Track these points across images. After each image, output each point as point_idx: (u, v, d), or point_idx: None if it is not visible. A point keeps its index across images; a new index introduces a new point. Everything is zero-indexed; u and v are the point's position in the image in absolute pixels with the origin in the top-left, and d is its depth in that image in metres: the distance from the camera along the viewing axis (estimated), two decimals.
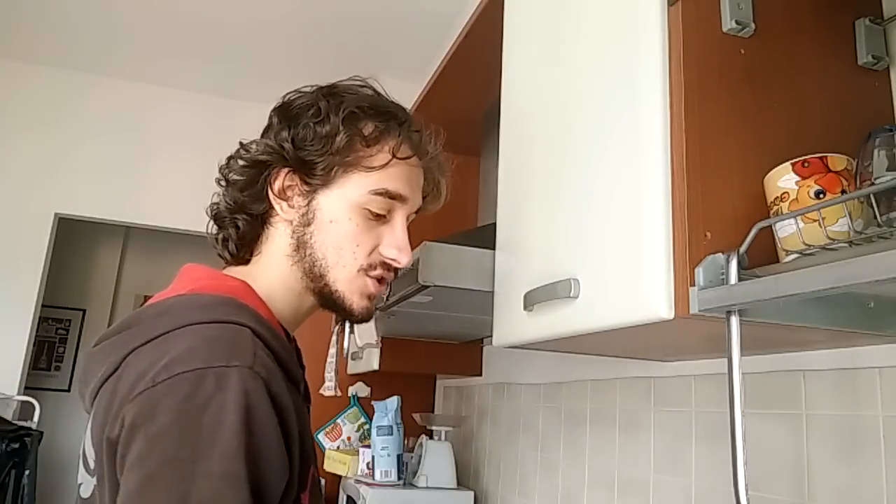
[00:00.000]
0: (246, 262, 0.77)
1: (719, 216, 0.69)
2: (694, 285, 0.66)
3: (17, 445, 2.60)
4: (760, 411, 0.94)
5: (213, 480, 0.52)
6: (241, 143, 0.78)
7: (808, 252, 0.62)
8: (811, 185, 0.65)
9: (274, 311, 0.73)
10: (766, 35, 0.76)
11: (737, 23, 0.74)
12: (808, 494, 0.85)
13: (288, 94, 0.78)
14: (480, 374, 2.05)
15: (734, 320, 0.63)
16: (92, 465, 0.62)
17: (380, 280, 0.76)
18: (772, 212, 0.68)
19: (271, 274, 0.75)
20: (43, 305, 3.08)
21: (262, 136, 0.78)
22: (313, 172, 0.73)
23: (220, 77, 3.15)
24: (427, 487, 1.84)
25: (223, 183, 0.78)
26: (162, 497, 0.51)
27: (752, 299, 0.59)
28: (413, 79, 2.77)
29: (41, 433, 2.74)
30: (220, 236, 0.78)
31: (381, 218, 0.75)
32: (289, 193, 0.75)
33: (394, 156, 0.75)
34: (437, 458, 1.87)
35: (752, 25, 0.75)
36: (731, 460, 0.62)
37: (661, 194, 0.70)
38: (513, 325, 0.99)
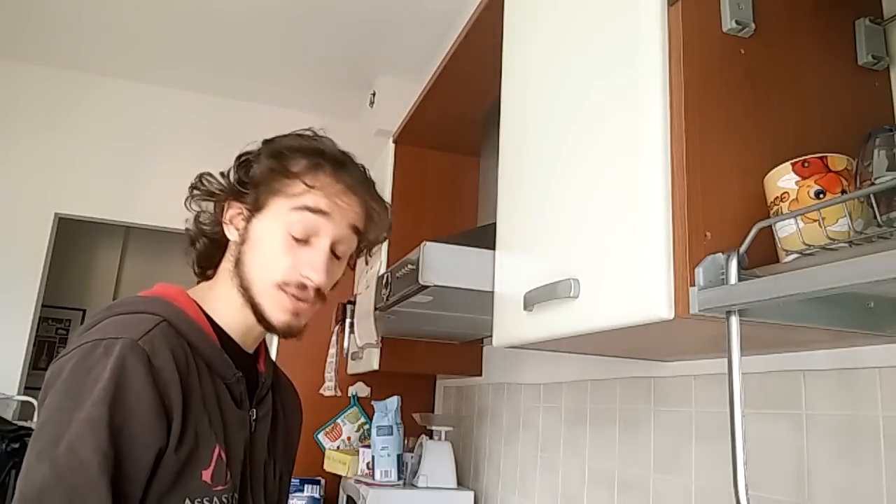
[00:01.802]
0: (208, 278, 0.92)
1: (719, 216, 0.69)
2: (694, 285, 0.66)
3: (17, 445, 2.60)
4: (760, 411, 0.94)
5: (78, 425, 0.66)
6: (199, 179, 0.92)
7: (808, 252, 0.62)
8: (811, 185, 0.65)
9: (220, 321, 0.86)
10: (766, 35, 0.76)
11: (737, 23, 0.74)
12: (808, 494, 0.85)
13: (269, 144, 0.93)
14: (480, 374, 2.05)
15: (734, 320, 0.63)
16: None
17: (298, 298, 0.84)
18: (772, 212, 0.68)
19: (220, 289, 0.87)
20: (43, 305, 3.08)
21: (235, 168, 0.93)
22: (244, 200, 0.87)
23: (220, 77, 3.15)
24: (427, 487, 1.84)
25: (191, 209, 0.92)
26: (44, 439, 0.67)
27: (752, 299, 0.59)
28: (413, 79, 2.77)
29: None
30: (192, 257, 0.93)
31: (303, 242, 0.85)
32: (235, 221, 0.88)
33: (308, 185, 0.85)
34: (437, 458, 1.87)
35: (752, 25, 0.75)
36: (731, 460, 0.62)
37: (661, 194, 0.70)
38: (513, 325, 0.99)
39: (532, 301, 0.90)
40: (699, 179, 0.69)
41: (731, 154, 0.72)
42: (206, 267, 0.93)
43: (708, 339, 0.85)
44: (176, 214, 3.41)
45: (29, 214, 3.01)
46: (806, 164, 0.65)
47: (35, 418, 0.82)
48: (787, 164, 0.66)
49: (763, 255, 0.67)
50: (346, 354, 1.95)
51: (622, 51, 0.81)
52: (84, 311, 4.55)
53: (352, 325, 1.81)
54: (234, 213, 0.88)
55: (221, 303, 0.87)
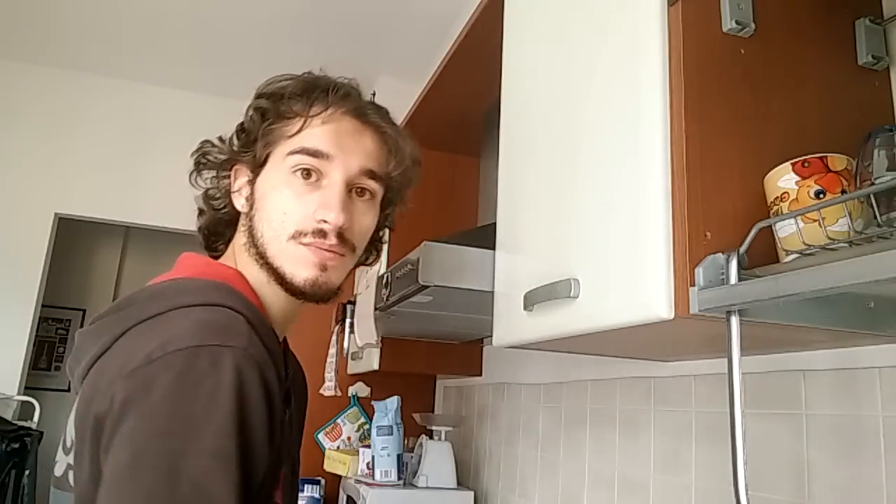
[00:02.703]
0: (219, 253, 0.81)
1: (719, 216, 0.69)
2: (694, 285, 0.66)
3: (17, 445, 2.60)
4: (760, 411, 0.94)
5: (204, 458, 0.51)
6: (201, 148, 0.84)
7: (808, 252, 0.62)
8: (811, 185, 0.65)
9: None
10: (766, 35, 0.76)
11: (737, 23, 0.74)
12: (808, 494, 0.85)
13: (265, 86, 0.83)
14: (480, 374, 2.05)
15: (734, 320, 0.63)
16: (69, 442, 0.62)
17: (320, 248, 0.71)
18: (772, 212, 0.68)
19: (243, 268, 0.74)
20: (43, 305, 3.08)
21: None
22: (244, 158, 0.76)
23: (220, 77, 3.15)
24: (427, 487, 1.84)
25: (197, 186, 0.83)
26: (151, 473, 0.50)
27: (752, 299, 0.59)
28: (413, 79, 2.77)
29: (41, 433, 2.74)
30: (201, 234, 0.83)
31: (312, 187, 0.72)
32: (243, 189, 0.77)
33: (306, 116, 0.74)
34: (437, 458, 1.87)
35: (752, 25, 0.75)
36: (731, 460, 0.62)
37: (661, 194, 0.70)
38: (513, 325, 0.99)
39: (532, 301, 0.90)
40: (699, 179, 0.69)
41: (732, 154, 0.72)
42: (218, 244, 0.82)
43: (708, 339, 0.85)
44: (176, 214, 3.41)
45: (29, 214, 3.00)
46: (806, 164, 0.65)
47: (76, 429, 0.61)
48: (787, 164, 0.66)
49: (763, 255, 0.67)
50: (346, 354, 1.95)
51: (622, 51, 0.81)
52: (84, 310, 4.55)
53: (352, 325, 1.81)
54: (242, 180, 0.77)
55: (254, 285, 0.73)
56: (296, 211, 0.71)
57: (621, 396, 1.29)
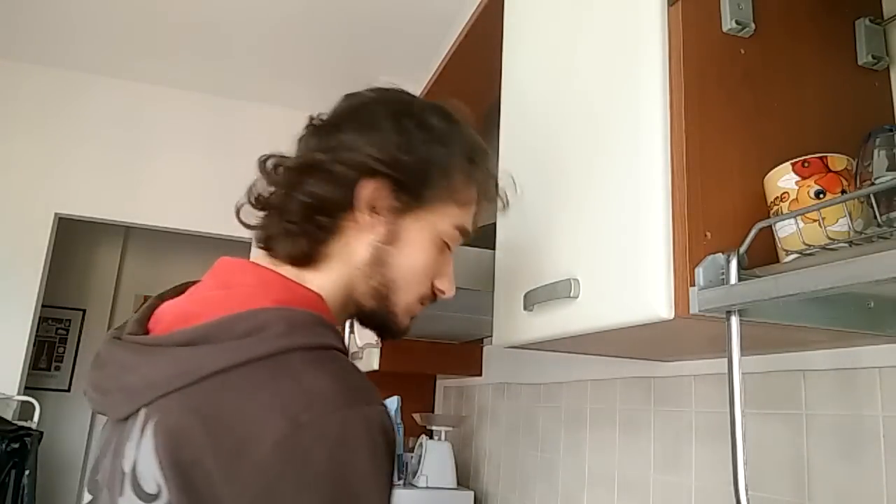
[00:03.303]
0: (303, 264, 0.69)
1: (719, 216, 0.69)
2: (694, 285, 0.66)
3: (17, 445, 2.61)
4: (760, 411, 0.94)
5: None
6: (341, 144, 0.70)
7: (808, 252, 0.62)
8: (811, 185, 0.65)
9: None
10: (766, 35, 0.76)
11: (737, 23, 0.74)
12: (808, 494, 0.85)
13: (383, 91, 0.75)
14: (480, 374, 2.05)
15: (734, 320, 0.63)
16: (151, 488, 0.55)
17: (423, 306, 0.76)
18: (772, 212, 0.68)
19: (336, 282, 0.69)
20: (43, 305, 3.08)
21: (357, 130, 0.70)
22: (415, 194, 0.70)
23: (220, 77, 3.15)
24: (427, 487, 1.84)
25: (307, 173, 0.69)
26: None
27: (752, 299, 0.59)
28: (413, 79, 2.76)
29: (41, 433, 2.74)
30: (288, 234, 0.69)
31: (446, 251, 0.75)
32: (377, 205, 0.69)
33: (480, 197, 0.76)
34: (437, 458, 1.87)
35: (752, 25, 0.75)
36: (731, 460, 0.62)
37: (661, 194, 0.70)
38: (513, 325, 0.99)
39: (532, 301, 0.90)
40: (699, 179, 0.69)
41: (731, 154, 0.72)
42: (312, 254, 0.70)
43: (708, 339, 0.85)
44: (176, 214, 3.41)
45: (29, 214, 3.00)
46: (806, 164, 0.65)
47: (155, 476, 0.54)
48: (787, 164, 0.66)
49: (763, 255, 0.67)
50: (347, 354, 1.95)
51: (622, 51, 0.81)
52: (84, 310, 4.55)
53: (352, 325, 1.81)
54: (373, 195, 0.68)
55: (336, 299, 0.69)
56: (432, 275, 0.74)
57: (621, 396, 1.29)
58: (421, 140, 0.70)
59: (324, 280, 0.69)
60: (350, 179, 0.67)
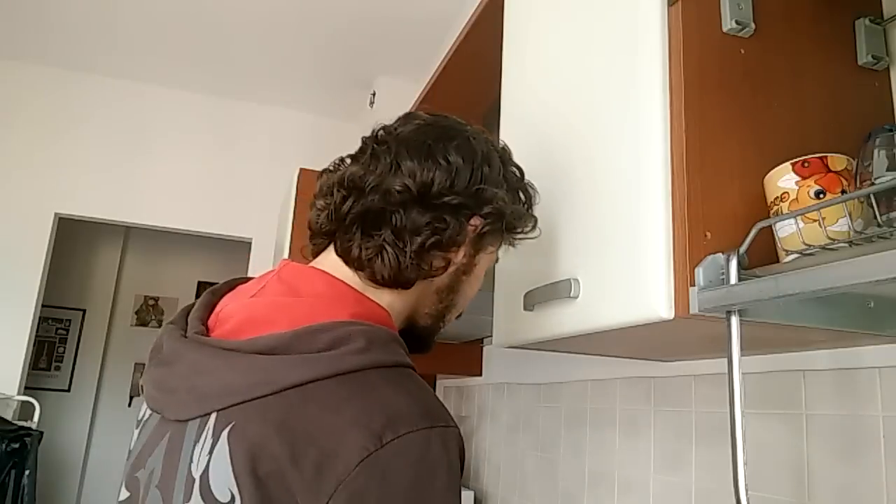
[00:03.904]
0: (392, 287, 0.69)
1: (719, 216, 0.69)
2: (694, 285, 0.66)
3: (17, 445, 2.61)
4: (760, 411, 0.94)
5: None
6: (482, 185, 0.71)
7: (808, 252, 0.62)
8: (811, 185, 0.65)
9: None
10: (766, 35, 0.76)
11: (737, 23, 0.74)
12: (808, 494, 0.85)
13: (465, 126, 0.76)
14: (480, 374, 2.05)
15: (734, 320, 0.63)
16: (223, 495, 0.54)
17: None
18: (772, 212, 0.68)
19: (408, 301, 0.71)
20: (43, 305, 3.08)
21: (469, 169, 0.70)
22: (495, 235, 0.74)
23: (220, 77, 3.15)
24: None
25: (439, 208, 0.68)
26: None
27: (752, 299, 0.59)
28: (413, 79, 2.77)
29: (41, 433, 2.74)
30: (407, 263, 0.67)
31: None
32: (468, 243, 0.72)
33: (521, 236, 0.79)
34: None
35: (752, 25, 0.75)
36: (731, 460, 0.62)
37: (661, 194, 0.70)
38: (513, 325, 0.99)
39: (532, 301, 0.90)
40: (699, 179, 0.69)
41: (731, 154, 0.72)
42: (407, 283, 0.70)
43: (708, 339, 0.85)
44: (176, 214, 3.41)
45: (29, 214, 3.01)
46: (806, 164, 0.65)
47: (229, 484, 0.53)
48: (787, 164, 0.66)
49: (763, 255, 0.67)
50: None
51: (622, 51, 0.81)
52: (84, 311, 4.55)
53: None
54: (474, 232, 0.71)
55: (399, 314, 0.71)
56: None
57: (621, 396, 1.29)
58: (515, 187, 0.76)
59: (397, 299, 0.70)
60: (466, 217, 0.70)
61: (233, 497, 0.53)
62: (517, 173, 0.78)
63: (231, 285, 0.71)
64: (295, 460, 0.52)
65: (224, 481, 0.54)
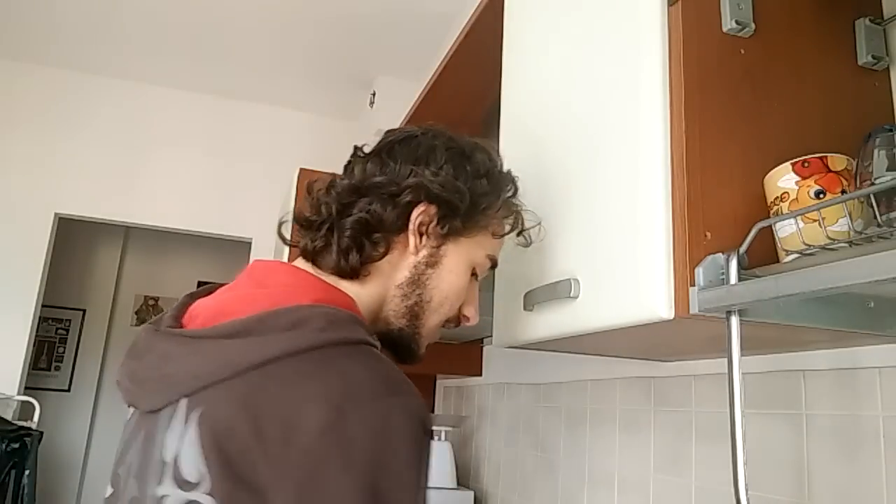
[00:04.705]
0: (348, 276, 0.73)
1: (719, 216, 0.69)
2: (694, 285, 0.66)
3: (17, 445, 2.61)
4: (760, 411, 0.94)
5: None
6: (389, 159, 0.75)
7: (808, 252, 0.62)
8: (811, 185, 0.65)
9: None
10: (766, 35, 0.76)
11: (737, 23, 0.74)
12: (808, 494, 0.85)
13: (432, 128, 0.79)
14: (480, 374, 2.05)
15: (734, 320, 0.63)
16: (192, 476, 0.56)
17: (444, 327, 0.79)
18: (772, 212, 0.68)
19: (372, 296, 0.73)
20: (43, 305, 3.08)
21: (413, 161, 0.75)
22: (461, 222, 0.75)
23: (220, 77, 3.15)
24: (427, 487, 1.83)
25: (362, 194, 0.73)
26: None
27: (752, 299, 0.59)
28: (413, 79, 2.77)
29: (41, 433, 2.74)
30: (341, 248, 0.72)
31: (475, 279, 0.80)
32: (426, 229, 0.74)
33: (514, 230, 0.80)
34: (437, 458, 1.87)
35: (752, 25, 0.75)
36: (731, 460, 0.62)
37: (661, 194, 0.70)
38: (513, 325, 0.99)
39: (532, 301, 0.90)
40: (699, 179, 0.69)
41: (731, 154, 0.72)
42: (359, 269, 0.73)
43: (708, 339, 0.85)
44: (176, 214, 3.41)
45: (29, 214, 3.01)
46: (806, 164, 0.65)
47: (197, 464, 0.55)
48: (787, 164, 0.66)
49: (763, 255, 0.67)
50: None
51: (622, 51, 0.81)
52: (84, 311, 4.55)
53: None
54: (424, 219, 0.73)
55: (367, 313, 0.73)
56: (461, 301, 0.78)
57: (621, 396, 1.29)
58: (471, 173, 0.76)
59: (360, 292, 0.72)
60: (406, 202, 0.73)
61: (201, 477, 0.55)
62: (486, 163, 0.78)
63: (210, 290, 0.74)
64: (259, 436, 0.53)
65: (193, 463, 0.56)
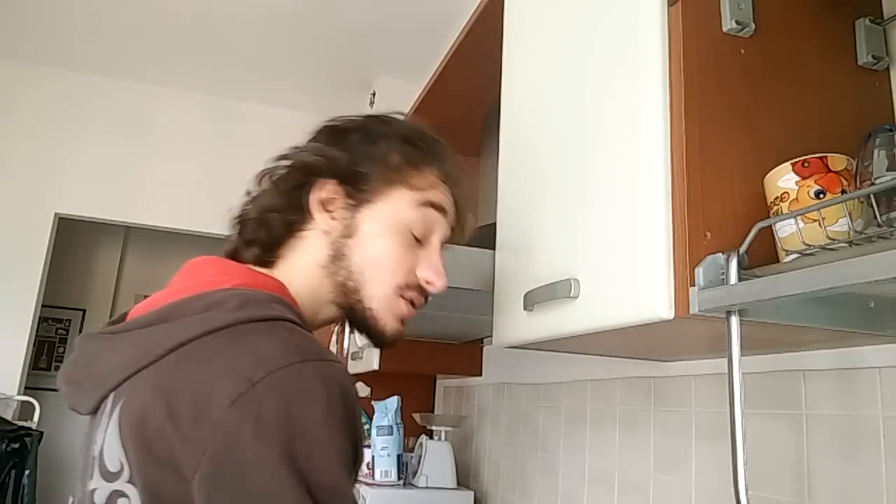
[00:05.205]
0: (266, 266, 0.74)
1: (719, 216, 0.69)
2: (694, 285, 0.66)
3: (17, 445, 2.61)
4: (760, 411, 0.94)
5: (334, 473, 0.52)
6: (287, 149, 0.77)
7: (808, 252, 0.62)
8: (811, 185, 0.65)
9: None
10: (766, 35, 0.76)
11: (737, 23, 0.74)
12: (808, 494, 0.85)
13: (332, 118, 0.79)
14: (480, 374, 2.05)
15: (734, 320, 0.63)
16: (115, 467, 0.57)
17: (412, 303, 0.75)
18: (772, 212, 0.68)
19: (301, 282, 0.72)
20: (43, 305, 3.08)
21: (303, 145, 0.78)
22: (362, 186, 0.73)
23: (220, 77, 3.15)
24: (427, 487, 1.83)
25: (263, 184, 0.76)
26: (289, 494, 0.49)
27: (752, 299, 0.59)
28: (413, 79, 2.77)
29: (41, 433, 2.74)
30: (246, 239, 0.75)
31: (419, 242, 0.75)
32: (331, 206, 0.73)
33: (438, 178, 0.76)
34: (437, 458, 1.87)
35: (752, 25, 0.75)
36: (731, 460, 0.62)
37: (661, 194, 0.70)
38: (513, 325, 0.99)
39: (532, 301, 0.90)
40: (699, 179, 0.69)
41: (731, 154, 0.72)
42: (273, 255, 0.75)
43: (708, 339, 0.85)
44: (176, 214, 3.41)
45: (29, 214, 3.01)
46: (806, 164, 0.65)
47: (118, 455, 0.56)
48: (787, 164, 0.66)
49: (763, 255, 0.67)
50: (346, 354, 1.95)
51: (622, 50, 0.81)
52: (84, 310, 4.55)
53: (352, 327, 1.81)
54: (328, 196, 0.73)
55: (301, 298, 0.71)
56: (407, 265, 0.74)
57: (621, 396, 1.29)
58: (355, 140, 0.75)
59: (291, 279, 0.71)
60: (294, 183, 0.74)
61: (121, 465, 0.56)
62: (376, 126, 0.77)
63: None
64: (172, 417, 0.53)
65: (114, 453, 0.56)
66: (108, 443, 0.58)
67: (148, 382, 0.57)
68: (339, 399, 0.54)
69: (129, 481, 0.55)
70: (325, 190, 0.73)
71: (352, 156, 0.73)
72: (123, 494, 0.55)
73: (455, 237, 0.81)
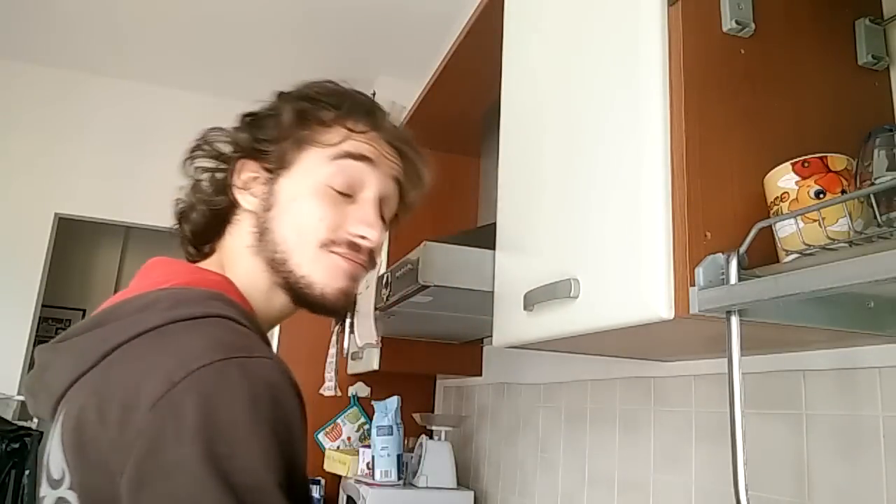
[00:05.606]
0: (206, 257, 0.74)
1: (719, 216, 0.69)
2: (694, 285, 0.66)
3: (17, 445, 2.60)
4: (760, 411, 0.94)
5: (256, 475, 0.49)
6: (205, 135, 0.76)
7: (808, 252, 0.62)
8: (811, 185, 0.65)
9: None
10: (766, 35, 0.76)
11: (737, 23, 0.74)
12: (808, 494, 0.85)
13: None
14: (480, 374, 2.05)
15: (734, 320, 0.63)
16: (58, 474, 0.56)
17: (349, 259, 0.70)
18: (772, 212, 0.68)
19: (237, 271, 0.70)
20: (43, 305, 3.08)
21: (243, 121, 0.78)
22: (267, 155, 0.71)
23: (220, 77, 3.15)
24: (427, 487, 1.83)
25: (188, 174, 0.76)
26: (211, 496, 0.47)
27: (752, 299, 0.59)
28: (413, 79, 2.77)
29: (41, 433, 2.74)
30: (184, 234, 0.75)
31: (346, 197, 0.71)
32: (252, 186, 0.72)
33: (350, 129, 0.72)
34: (437, 458, 1.87)
35: (752, 25, 0.75)
36: (731, 460, 0.62)
37: (661, 194, 0.70)
38: (513, 325, 0.99)
39: (532, 301, 0.90)
40: (699, 179, 0.69)
41: (731, 154, 0.72)
42: (204, 244, 0.75)
43: (708, 339, 0.85)
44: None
45: (29, 214, 3.01)
46: (806, 164, 0.65)
47: (60, 463, 0.56)
48: (787, 164, 0.66)
49: (763, 255, 0.67)
50: (346, 354, 1.95)
51: (622, 51, 0.81)
52: (84, 311, 4.55)
53: (352, 325, 1.81)
54: (248, 176, 0.72)
55: (248, 292, 0.70)
56: (329, 219, 0.69)
57: (621, 396, 1.29)
58: (261, 115, 0.75)
59: (235, 271, 0.71)
60: (213, 170, 0.74)
61: (63, 473, 0.55)
62: (292, 94, 0.75)
63: None
64: (103, 422, 0.52)
65: (58, 461, 0.56)
66: (53, 451, 0.57)
67: (85, 387, 0.56)
68: (265, 397, 0.51)
69: (70, 488, 0.54)
70: (243, 171, 0.72)
71: (256, 131, 0.73)
72: (66, 502, 0.55)
73: (411, 182, 0.78)
